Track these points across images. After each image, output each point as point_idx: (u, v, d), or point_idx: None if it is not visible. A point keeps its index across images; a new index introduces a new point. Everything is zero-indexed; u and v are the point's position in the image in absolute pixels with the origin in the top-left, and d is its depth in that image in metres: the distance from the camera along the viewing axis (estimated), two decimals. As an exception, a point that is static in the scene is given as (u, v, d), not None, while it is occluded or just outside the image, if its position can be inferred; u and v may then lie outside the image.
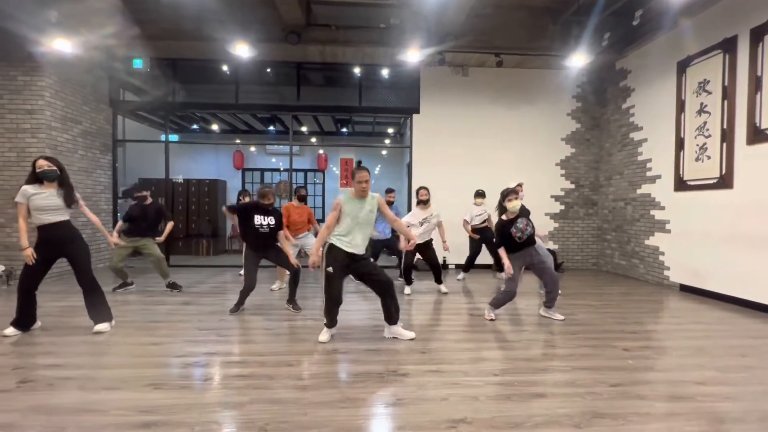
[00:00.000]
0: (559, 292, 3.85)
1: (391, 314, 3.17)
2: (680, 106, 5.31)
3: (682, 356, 2.94)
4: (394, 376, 2.54)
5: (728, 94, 4.60)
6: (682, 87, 5.28)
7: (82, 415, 2.04)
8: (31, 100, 5.45)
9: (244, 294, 3.95)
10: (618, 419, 2.04)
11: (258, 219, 3.88)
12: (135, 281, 5.17)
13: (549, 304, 3.85)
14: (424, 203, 4.95)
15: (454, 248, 5.45)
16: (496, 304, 3.82)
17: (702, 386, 2.43)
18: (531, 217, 3.85)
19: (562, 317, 3.81)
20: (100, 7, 5.34)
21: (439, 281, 5.07)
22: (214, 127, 10.03)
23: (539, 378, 2.53)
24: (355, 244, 3.09)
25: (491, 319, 3.79)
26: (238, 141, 10.42)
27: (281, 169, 10.77)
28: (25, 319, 3.30)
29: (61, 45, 4.92)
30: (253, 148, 10.81)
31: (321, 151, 10.69)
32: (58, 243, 3.24)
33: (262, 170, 10.78)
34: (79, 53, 5.44)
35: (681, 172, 5.31)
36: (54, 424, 1.96)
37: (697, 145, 5.04)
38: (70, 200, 3.26)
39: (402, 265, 5.24)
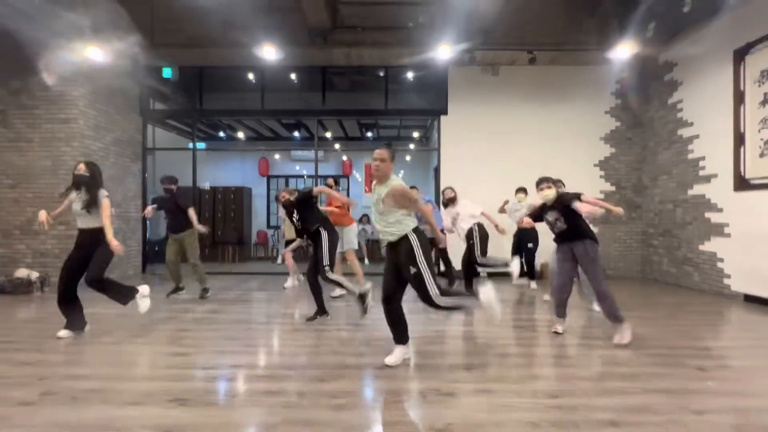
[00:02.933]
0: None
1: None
2: (739, 98, 4.84)
3: (771, 378, 2.54)
4: (438, 395, 2.27)
5: (798, 81, 4.14)
6: (740, 77, 4.82)
7: (104, 433, 1.89)
8: (66, 110, 5.57)
9: (315, 292, 3.83)
10: (715, 457, 1.70)
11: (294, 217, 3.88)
12: (156, 285, 5.13)
13: (609, 318, 3.30)
14: (451, 203, 4.69)
15: (491, 251, 5.11)
16: (557, 310, 3.44)
17: (808, 416, 2.04)
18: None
19: (621, 342, 3.16)
20: (127, 17, 5.42)
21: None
22: (240, 134, 10.13)
23: (606, 402, 2.20)
24: (381, 232, 2.65)
25: (555, 332, 3.38)
26: (263, 147, 10.47)
27: (305, 175, 10.74)
28: (72, 320, 3.33)
29: (93, 53, 4.99)
30: (277, 155, 10.85)
31: (345, 158, 10.60)
32: (87, 247, 3.28)
33: (287, 177, 10.78)
34: (109, 62, 5.53)
35: (742, 170, 4.82)
36: (74, 442, 1.81)
37: (762, 139, 4.56)
38: (88, 205, 3.22)
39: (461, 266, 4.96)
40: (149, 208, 4.85)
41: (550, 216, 3.44)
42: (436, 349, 3.07)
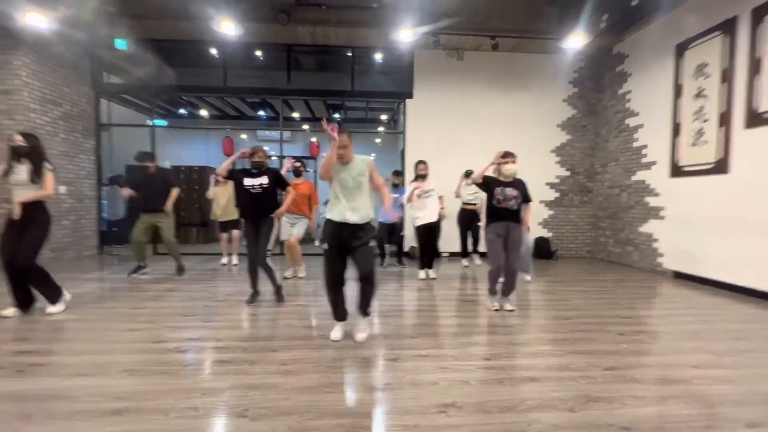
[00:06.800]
0: (517, 285, 3.66)
1: (360, 304, 2.79)
2: (677, 91, 5.21)
3: (677, 340, 2.89)
4: (384, 360, 2.45)
5: (727, 77, 4.51)
6: (679, 71, 5.17)
7: (50, 401, 1.93)
8: (7, 80, 5.22)
9: (252, 274, 3.67)
10: (613, 402, 1.96)
11: (248, 180, 3.60)
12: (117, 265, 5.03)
13: (505, 292, 3.57)
14: (422, 178, 4.88)
15: (446, 236, 5.37)
16: (490, 288, 3.63)
17: (698, 369, 2.37)
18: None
19: (512, 308, 3.54)
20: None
21: (429, 265, 5.03)
22: (203, 112, 9.79)
23: (531, 362, 2.45)
24: (341, 212, 2.67)
25: (496, 309, 3.54)
26: (228, 128, 10.17)
27: (272, 156, 10.56)
28: (19, 297, 3.24)
29: (34, 20, 4.67)
30: (243, 135, 10.59)
31: (313, 139, 10.48)
32: (23, 220, 3.15)
33: (254, 158, 10.57)
34: (57, 31, 5.20)
35: (677, 158, 5.23)
36: (20, 411, 1.84)
37: (694, 129, 4.96)
38: (34, 175, 3.12)
39: (417, 251, 5.20)
40: (127, 191, 4.72)
41: (509, 191, 3.41)
42: (385, 321, 3.24)
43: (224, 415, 1.83)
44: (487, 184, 3.52)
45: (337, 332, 2.81)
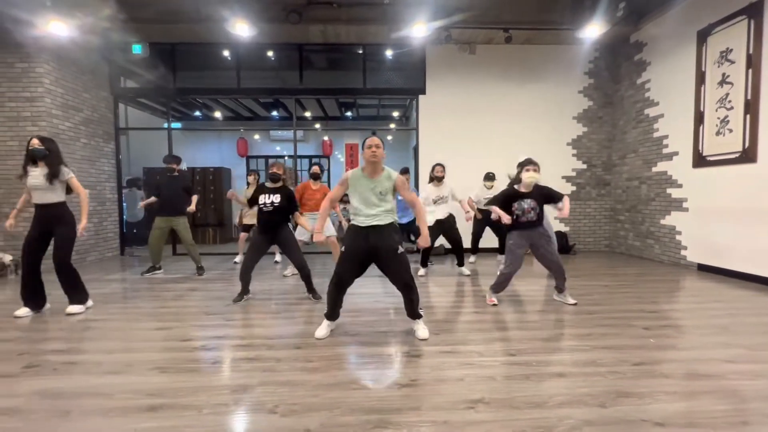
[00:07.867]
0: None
1: (409, 311, 2.84)
2: (700, 78, 5.05)
3: (706, 335, 2.82)
4: (407, 357, 2.46)
5: (753, 62, 4.35)
6: (702, 57, 5.02)
7: (86, 398, 1.99)
8: (31, 87, 5.36)
9: (244, 278, 3.76)
10: (644, 398, 1.93)
11: (262, 198, 3.74)
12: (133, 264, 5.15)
13: (559, 288, 3.63)
14: (438, 180, 4.83)
15: (461, 232, 5.30)
16: (496, 287, 3.60)
17: (730, 364, 2.31)
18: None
19: (574, 301, 3.57)
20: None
21: (461, 263, 5.00)
22: (217, 114, 9.92)
23: (558, 358, 2.43)
24: (365, 219, 2.70)
25: (494, 304, 3.55)
26: (242, 129, 10.30)
27: (285, 156, 10.66)
28: (33, 298, 3.35)
29: (56, 28, 4.79)
30: (257, 135, 10.70)
31: (326, 137, 10.54)
32: (46, 222, 3.27)
33: (267, 157, 10.67)
34: (76, 38, 5.32)
35: (700, 148, 5.09)
36: (58, 407, 1.91)
37: (718, 118, 4.81)
38: (51, 177, 3.22)
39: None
40: (146, 201, 5.01)
41: (526, 204, 3.33)
42: (406, 318, 3.23)
43: (255, 411, 1.86)
44: (505, 199, 3.47)
45: (323, 330, 2.82)
